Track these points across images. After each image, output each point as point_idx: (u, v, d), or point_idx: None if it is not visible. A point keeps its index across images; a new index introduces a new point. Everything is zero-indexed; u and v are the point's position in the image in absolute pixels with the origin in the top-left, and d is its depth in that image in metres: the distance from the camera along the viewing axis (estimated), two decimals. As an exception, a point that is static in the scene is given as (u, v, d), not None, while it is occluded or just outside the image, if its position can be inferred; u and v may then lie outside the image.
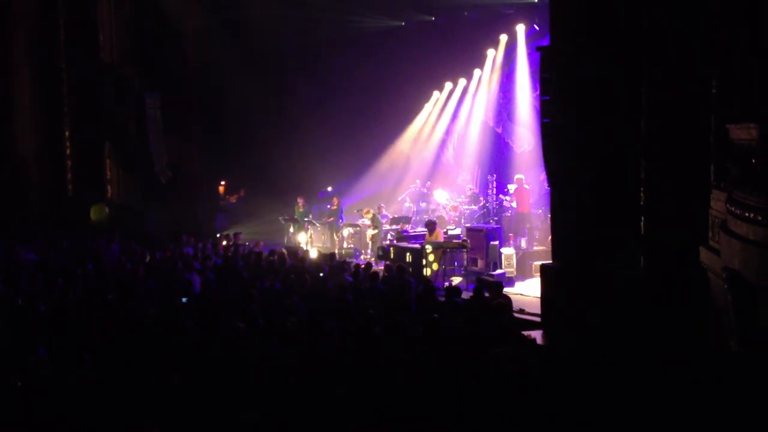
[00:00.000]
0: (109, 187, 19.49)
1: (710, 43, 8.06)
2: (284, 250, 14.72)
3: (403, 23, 19.92)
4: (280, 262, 13.18)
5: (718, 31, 7.86)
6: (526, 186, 16.92)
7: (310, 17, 19.15)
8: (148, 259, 13.34)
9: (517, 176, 17.21)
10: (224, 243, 15.94)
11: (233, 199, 20.02)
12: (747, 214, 6.69)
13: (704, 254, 8.00)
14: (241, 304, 9.18)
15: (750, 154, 6.84)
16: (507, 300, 10.24)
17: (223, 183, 20.46)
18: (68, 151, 19.33)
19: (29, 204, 18.14)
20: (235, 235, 16.38)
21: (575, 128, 9.88)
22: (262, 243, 16.01)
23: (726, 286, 6.95)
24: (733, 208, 7.09)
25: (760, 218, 6.44)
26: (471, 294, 10.51)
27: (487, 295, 10.16)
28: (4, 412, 5.90)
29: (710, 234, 8.00)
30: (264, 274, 11.73)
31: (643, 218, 9.01)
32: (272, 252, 14.05)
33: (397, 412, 5.80)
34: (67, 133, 19.38)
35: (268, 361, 7.04)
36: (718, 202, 7.78)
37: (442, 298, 10.40)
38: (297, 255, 14.37)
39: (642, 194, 9.02)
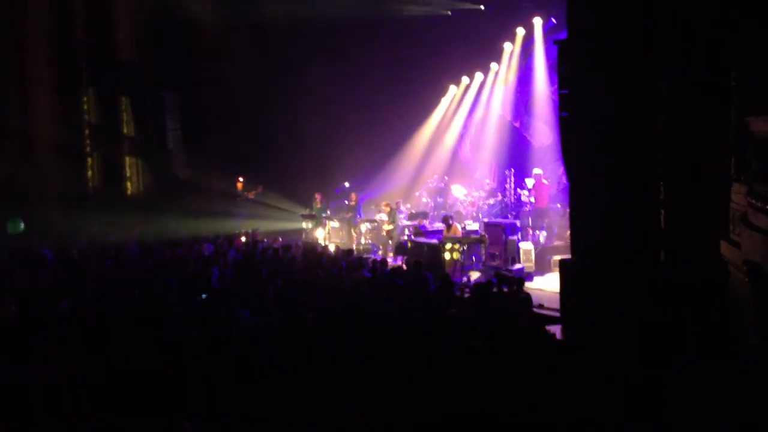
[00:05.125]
0: (128, 185, 19.67)
1: (731, 34, 7.97)
2: (302, 246, 14.76)
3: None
4: (298, 258, 13.21)
5: (739, 22, 7.78)
6: (544, 180, 16.83)
7: (327, 13, 19.11)
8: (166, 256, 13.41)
9: (535, 171, 17.13)
10: (243, 239, 15.99)
11: (251, 195, 20.08)
12: (768, 207, 6.63)
13: (725, 247, 7.93)
14: (258, 300, 9.21)
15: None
16: (526, 295, 10.18)
17: (241, 179, 20.53)
18: (88, 149, 19.51)
19: (50, 202, 18.29)
20: (253, 231, 16.43)
21: (594, 122, 9.81)
22: (280, 239, 16.05)
23: (747, 280, 6.89)
24: (754, 201, 7.03)
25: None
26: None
27: (505, 290, 10.11)
28: (29, 408, 5.96)
29: (731, 227, 7.92)
30: (282, 270, 11.75)
31: (663, 212, 8.94)
32: (289, 247, 14.08)
33: (410, 405, 5.80)
34: (86, 132, 19.55)
35: (282, 354, 7.07)
36: (738, 195, 7.70)
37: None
38: (315, 251, 14.39)
39: (662, 188, 8.95)
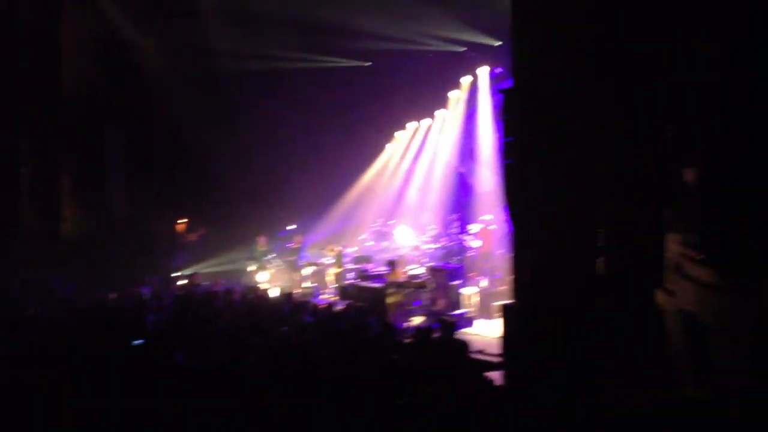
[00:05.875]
0: (64, 224, 19.15)
1: (667, 85, 8.24)
2: (243, 290, 14.56)
3: (369, 63, 20.08)
4: (239, 301, 13.00)
5: (673, 75, 8.06)
6: (491, 227, 17.01)
7: (274, 56, 19.24)
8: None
9: (482, 217, 17.33)
10: (182, 282, 15.70)
11: (193, 237, 19.77)
12: (699, 257, 6.79)
13: (660, 296, 8.07)
14: (196, 344, 9.02)
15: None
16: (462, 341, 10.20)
17: (182, 221, 20.20)
18: (24, 188, 18.95)
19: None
20: (193, 274, 16.17)
21: (535, 169, 9.98)
22: (221, 282, 15.81)
23: (681, 329, 7.01)
24: (686, 251, 7.19)
25: (707, 260, 6.55)
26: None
27: (438, 335, 10.14)
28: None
29: (666, 276, 8.08)
30: (221, 314, 11.54)
31: (600, 259, 9.08)
32: (230, 291, 13.87)
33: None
34: (24, 170, 19.03)
35: (223, 402, 6.90)
36: (673, 245, 7.88)
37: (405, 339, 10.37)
38: (257, 294, 14.21)
39: (600, 235, 9.11)
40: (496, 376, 9.33)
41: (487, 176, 19.07)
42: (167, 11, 18.73)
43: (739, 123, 6.37)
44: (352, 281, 16.38)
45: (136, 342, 9.38)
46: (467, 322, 13.79)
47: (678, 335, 7.23)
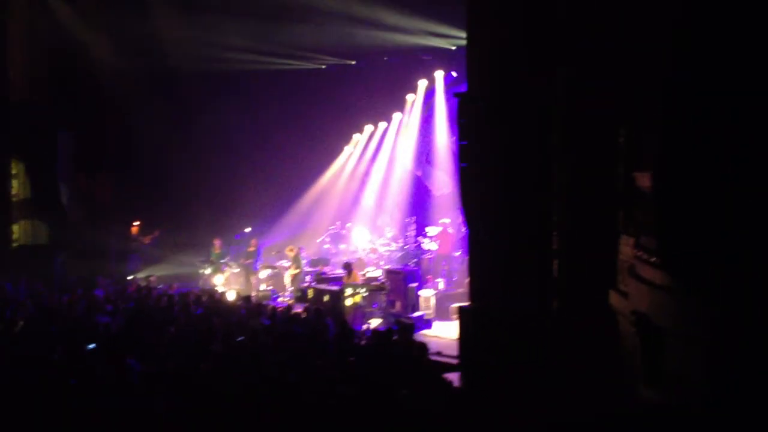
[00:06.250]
0: (15, 228, 18.69)
1: (618, 91, 8.38)
2: (199, 293, 14.40)
3: (324, 66, 20.04)
4: (194, 304, 12.85)
5: (624, 80, 8.21)
6: (450, 230, 17.11)
7: (230, 59, 19.09)
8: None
9: (441, 220, 17.43)
10: (136, 285, 15.46)
11: (147, 240, 19.45)
12: (653, 259, 6.92)
13: (613, 297, 8.21)
14: (150, 349, 8.89)
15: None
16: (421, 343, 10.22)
17: (136, 223, 19.84)
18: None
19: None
20: (148, 277, 15.92)
21: (490, 173, 10.07)
22: (176, 285, 15.60)
23: (634, 330, 7.13)
24: (640, 253, 7.32)
25: (662, 263, 6.67)
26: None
27: (395, 338, 10.15)
28: None
29: (619, 277, 8.22)
30: (176, 318, 11.39)
31: (555, 261, 9.20)
32: (186, 294, 13.71)
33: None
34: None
35: (176, 409, 6.81)
36: (626, 247, 8.02)
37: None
38: (213, 297, 14.06)
39: (555, 238, 9.23)
40: (454, 377, 9.39)
41: (444, 179, 19.17)
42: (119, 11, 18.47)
43: (690, 125, 6.50)
44: (310, 284, 16.32)
45: (89, 346, 9.22)
46: (425, 323, 13.84)
47: (631, 336, 7.36)
